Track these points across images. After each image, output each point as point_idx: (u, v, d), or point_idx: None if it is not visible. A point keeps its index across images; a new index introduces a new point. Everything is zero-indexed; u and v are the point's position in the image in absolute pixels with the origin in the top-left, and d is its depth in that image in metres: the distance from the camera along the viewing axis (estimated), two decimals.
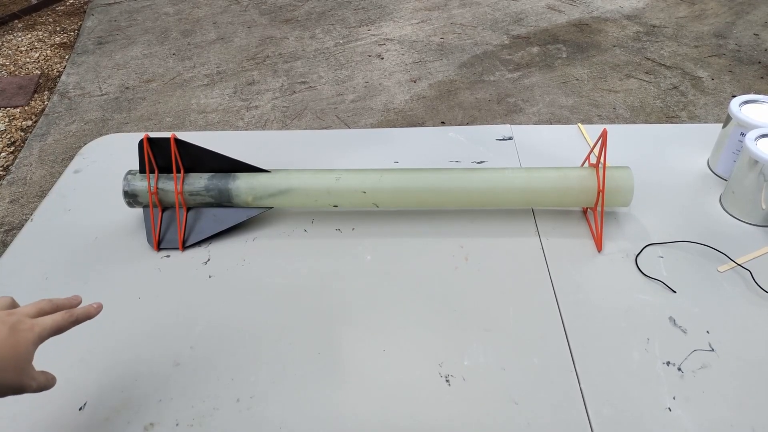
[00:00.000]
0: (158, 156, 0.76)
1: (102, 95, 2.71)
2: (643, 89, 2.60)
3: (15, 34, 3.28)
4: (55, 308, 0.51)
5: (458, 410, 0.58)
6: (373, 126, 2.43)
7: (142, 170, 0.77)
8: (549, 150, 0.93)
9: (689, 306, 0.67)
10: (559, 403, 0.58)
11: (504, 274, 0.72)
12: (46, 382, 0.49)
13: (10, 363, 0.44)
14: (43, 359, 0.64)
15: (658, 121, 2.39)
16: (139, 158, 0.76)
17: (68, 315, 0.51)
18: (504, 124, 1.31)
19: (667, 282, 0.70)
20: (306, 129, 2.35)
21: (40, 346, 0.47)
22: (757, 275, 0.70)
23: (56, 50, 3.13)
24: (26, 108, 2.64)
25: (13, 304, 0.50)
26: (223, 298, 0.71)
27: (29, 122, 2.55)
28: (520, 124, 1.29)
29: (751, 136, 0.76)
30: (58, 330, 0.50)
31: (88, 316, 0.52)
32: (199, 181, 0.77)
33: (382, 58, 2.92)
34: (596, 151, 0.75)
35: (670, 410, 0.57)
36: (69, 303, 0.53)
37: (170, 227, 0.79)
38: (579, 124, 0.99)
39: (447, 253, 0.76)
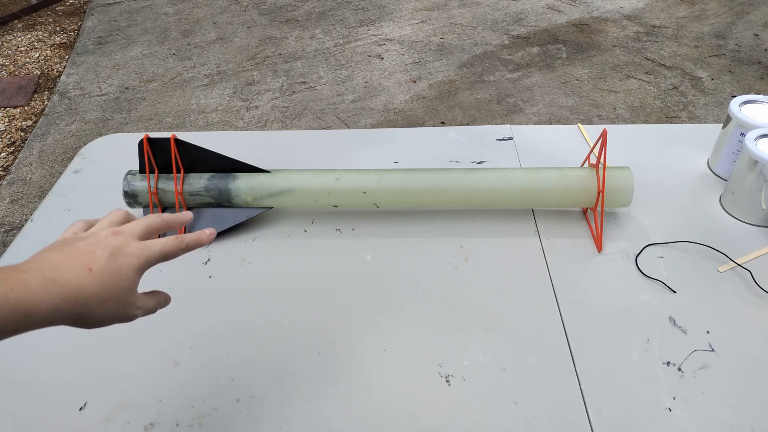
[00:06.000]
0: (158, 156, 0.76)
1: (102, 95, 2.71)
2: (643, 89, 2.60)
3: (15, 34, 3.28)
4: (165, 225, 0.46)
5: (458, 410, 0.58)
6: (373, 126, 2.43)
7: (142, 170, 0.77)
8: (549, 150, 0.93)
9: (689, 306, 0.67)
10: (559, 403, 0.58)
11: (504, 274, 0.72)
12: (155, 306, 0.45)
13: (110, 294, 0.40)
14: (43, 358, 0.64)
15: (658, 121, 2.39)
16: (139, 158, 0.76)
17: (178, 241, 0.45)
18: (504, 124, 1.30)
19: (667, 282, 0.70)
20: (306, 129, 2.35)
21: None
22: (757, 275, 0.70)
23: (56, 50, 3.13)
24: (26, 108, 2.64)
25: (126, 219, 0.46)
26: (223, 298, 0.71)
27: (29, 122, 2.55)
28: (520, 124, 1.29)
29: (751, 136, 0.76)
30: (167, 257, 0.44)
31: (199, 244, 0.46)
32: (199, 182, 0.77)
33: (382, 59, 2.92)
34: (596, 151, 0.75)
35: (670, 410, 0.57)
36: (180, 220, 0.47)
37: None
38: (579, 124, 0.99)
39: (447, 253, 0.76)
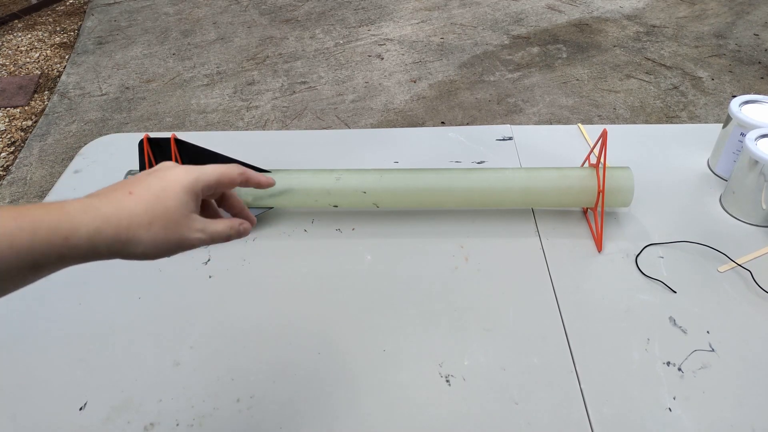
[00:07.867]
0: (158, 156, 0.76)
1: (102, 95, 2.71)
2: (643, 89, 2.60)
3: (15, 34, 3.28)
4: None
5: (458, 410, 0.58)
6: (373, 126, 2.43)
7: (142, 170, 0.77)
8: (549, 150, 0.93)
9: (689, 306, 0.67)
10: (559, 403, 0.58)
11: (504, 274, 0.72)
12: (226, 231, 0.40)
13: (156, 215, 0.37)
14: (44, 358, 0.64)
15: (658, 121, 2.39)
16: (139, 158, 0.76)
17: (240, 169, 0.42)
18: (504, 124, 1.30)
19: (667, 282, 0.70)
20: (306, 129, 2.35)
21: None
22: (757, 275, 0.70)
23: (56, 50, 3.13)
24: (26, 108, 2.64)
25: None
26: (223, 298, 0.71)
27: (29, 122, 2.55)
28: (520, 124, 1.29)
29: (751, 136, 0.76)
30: (222, 182, 0.40)
31: (259, 184, 0.44)
32: None
33: (382, 58, 2.92)
34: (596, 151, 0.75)
35: (670, 410, 0.57)
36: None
37: None
38: (579, 124, 0.99)
39: (447, 253, 0.76)
